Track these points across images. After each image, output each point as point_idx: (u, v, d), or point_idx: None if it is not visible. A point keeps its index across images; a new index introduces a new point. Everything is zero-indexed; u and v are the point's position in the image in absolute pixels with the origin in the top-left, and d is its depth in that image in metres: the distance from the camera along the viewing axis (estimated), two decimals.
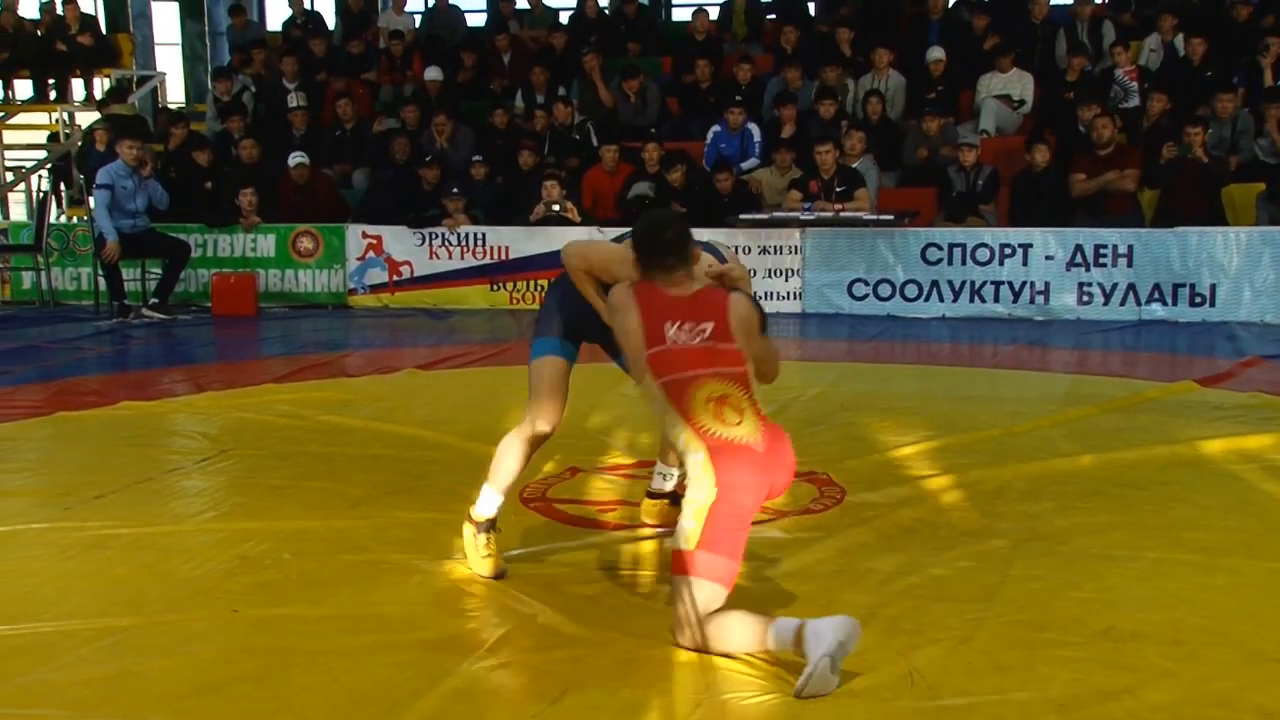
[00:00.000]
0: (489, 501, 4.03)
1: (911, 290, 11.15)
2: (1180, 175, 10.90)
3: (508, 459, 4.05)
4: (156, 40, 19.35)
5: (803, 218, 11.17)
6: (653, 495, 4.56)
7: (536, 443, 4.08)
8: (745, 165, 12.27)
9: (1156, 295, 10.61)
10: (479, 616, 3.68)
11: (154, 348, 10.17)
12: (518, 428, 4.08)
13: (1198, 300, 10.54)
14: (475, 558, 3.99)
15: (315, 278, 12.40)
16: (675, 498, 4.31)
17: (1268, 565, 4.05)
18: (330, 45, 15.51)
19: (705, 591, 3.27)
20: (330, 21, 17.01)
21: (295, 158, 12.56)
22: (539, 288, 11.84)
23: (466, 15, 16.54)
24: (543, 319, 4.21)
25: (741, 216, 11.37)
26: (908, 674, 3.19)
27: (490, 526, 4.00)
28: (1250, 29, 12.53)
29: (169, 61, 19.12)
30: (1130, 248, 10.64)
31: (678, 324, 3.50)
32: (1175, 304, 10.58)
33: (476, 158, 12.60)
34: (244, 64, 15.38)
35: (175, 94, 18.85)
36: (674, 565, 3.35)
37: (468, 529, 4.03)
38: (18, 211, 16.29)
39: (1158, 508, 4.77)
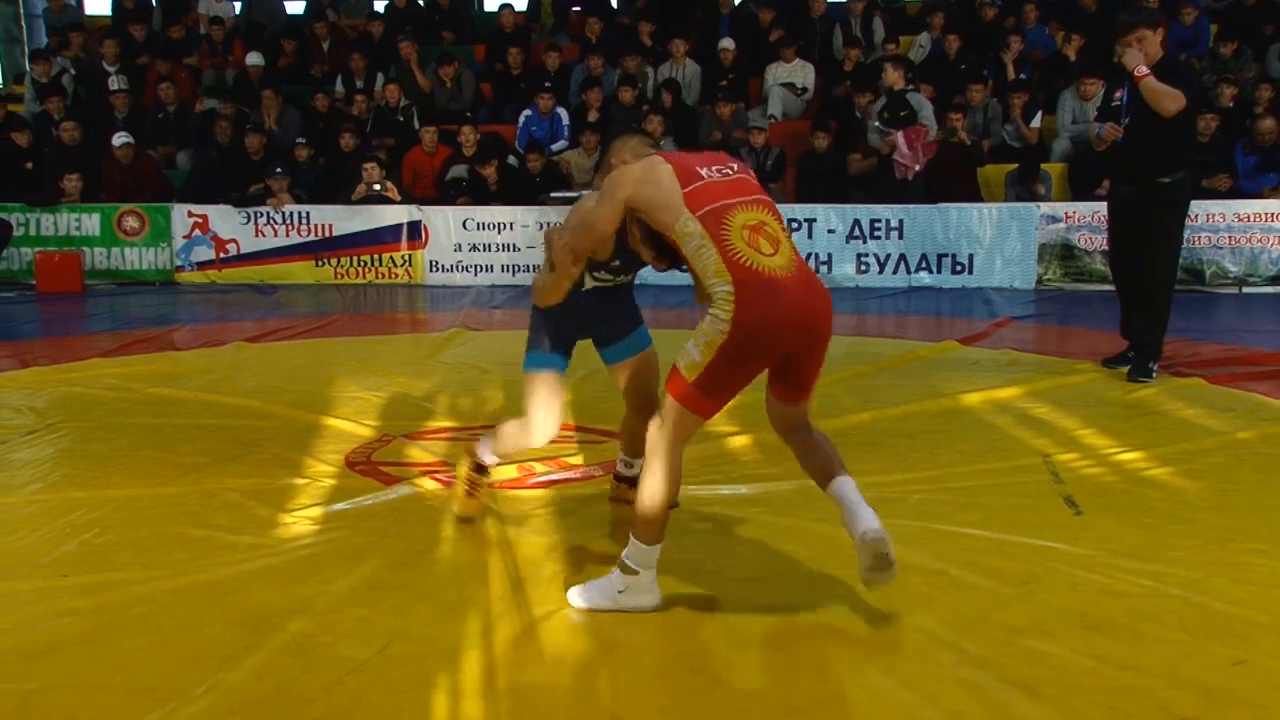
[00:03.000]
0: (485, 450, 4.01)
1: None
2: (944, 156, 11.32)
3: (507, 436, 3.94)
4: None
5: None
6: (620, 479, 4.26)
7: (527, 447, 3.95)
8: (555, 147, 12.25)
9: (924, 264, 11.02)
10: (308, 575, 3.59)
11: None
12: (519, 423, 3.88)
13: (958, 269, 10.98)
14: (460, 494, 4.03)
15: (142, 255, 11.87)
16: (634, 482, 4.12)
17: (1014, 502, 4.26)
18: (151, 30, 14.85)
19: (684, 420, 3.18)
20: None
21: (120, 138, 12.00)
22: (361, 263, 11.63)
23: (285, 3, 15.99)
24: (533, 332, 3.90)
25: (552, 195, 11.37)
26: (708, 611, 3.27)
27: (481, 470, 4.03)
28: (995, 28, 13.08)
29: None
30: (901, 222, 11.01)
31: (707, 166, 3.28)
32: (939, 272, 11.01)
33: (300, 140, 12.27)
34: (62, 46, 14.60)
35: None
36: (667, 382, 3.22)
37: (461, 469, 4.05)
38: None
39: (924, 455, 4.97)
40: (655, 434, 3.20)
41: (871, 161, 11.42)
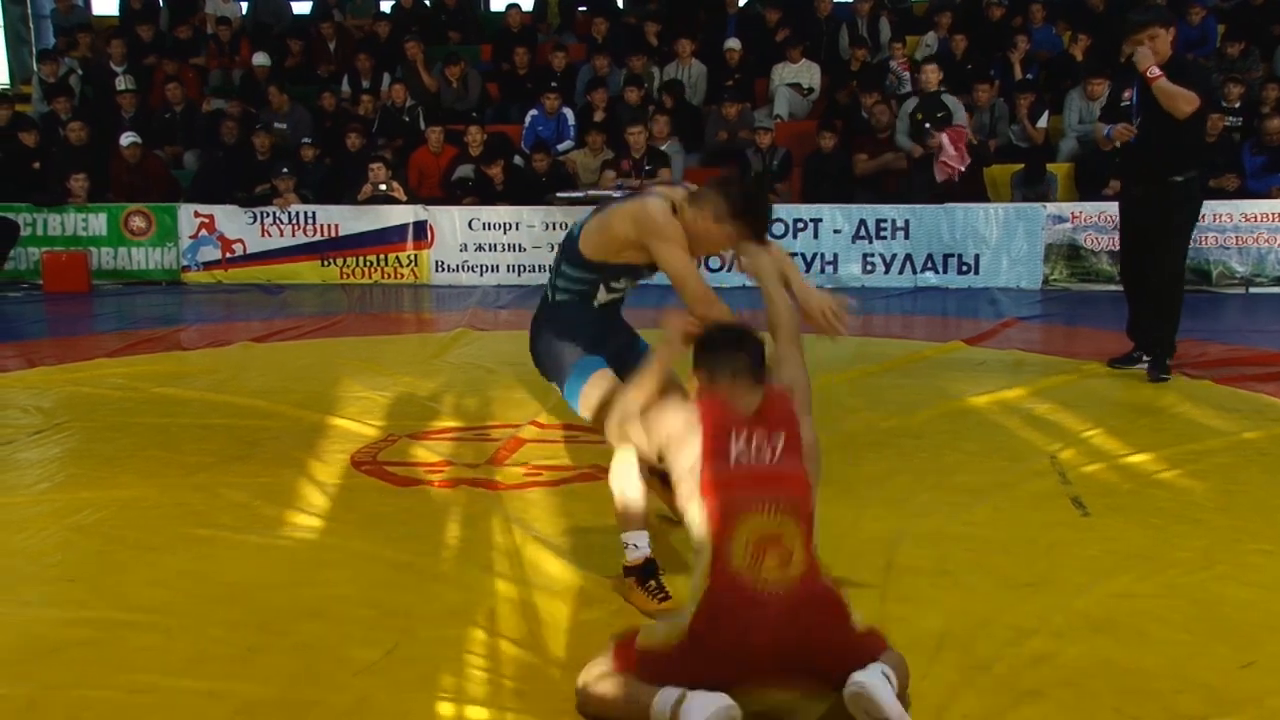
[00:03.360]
0: (637, 544, 3.34)
1: (714, 261, 11.22)
2: None
3: (629, 491, 3.34)
4: None
5: (615, 196, 11.19)
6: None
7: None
8: (561, 147, 12.25)
9: (929, 264, 11.00)
10: (314, 577, 3.59)
11: None
12: (616, 459, 3.37)
13: (964, 269, 10.96)
14: (653, 605, 3.26)
15: (149, 255, 11.88)
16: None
17: (1021, 502, 4.26)
18: (158, 30, 14.87)
19: (611, 679, 2.65)
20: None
21: (127, 138, 12.01)
22: (367, 263, 11.64)
23: (292, 3, 16.00)
24: (557, 354, 3.60)
25: (558, 195, 11.36)
26: None
27: (650, 568, 3.33)
28: (1002, 28, 13.06)
29: None
30: (907, 222, 10.99)
31: (744, 434, 2.75)
32: (945, 272, 10.99)
33: (306, 140, 12.28)
34: (69, 47, 14.63)
35: None
36: (618, 643, 2.72)
37: (628, 584, 3.34)
38: None
39: (931, 455, 4.96)
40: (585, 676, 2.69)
41: (881, 160, 11.40)
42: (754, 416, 2.80)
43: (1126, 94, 6.39)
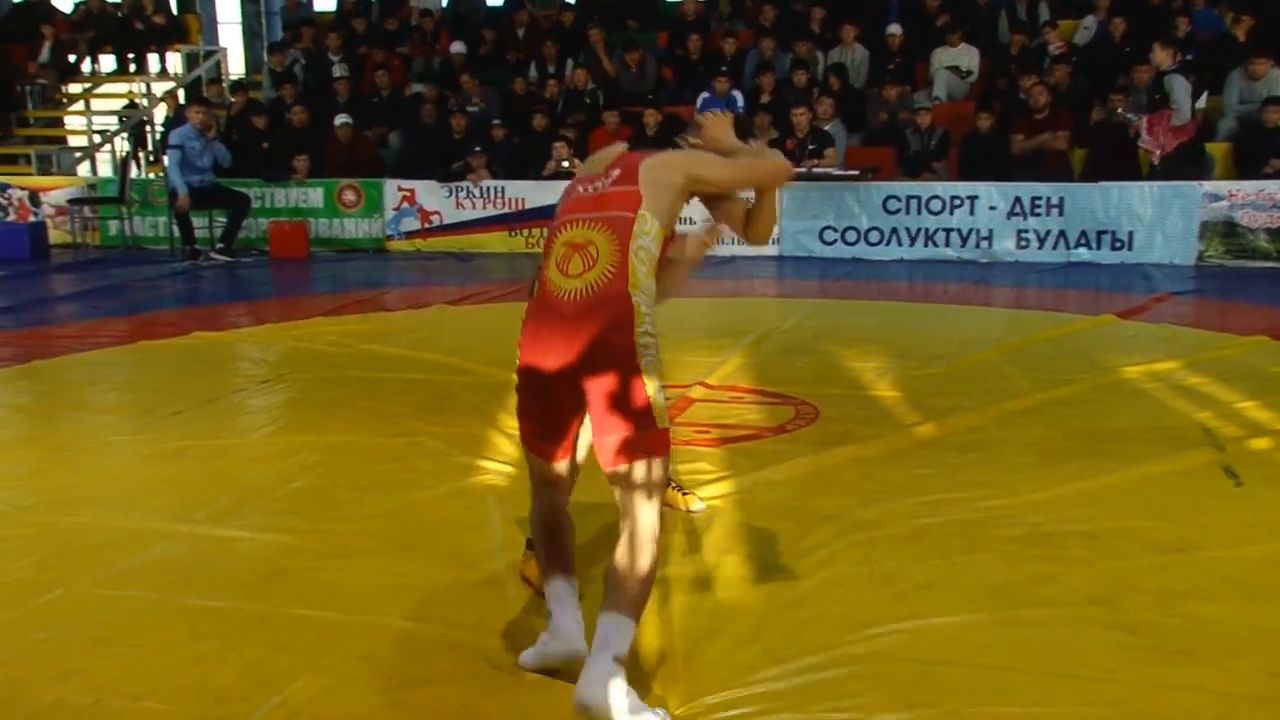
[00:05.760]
0: None
1: (874, 236, 11.09)
2: (1104, 136, 10.79)
3: None
4: (219, 19, 19.09)
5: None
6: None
7: None
8: None
9: (1083, 241, 10.55)
10: (503, 517, 3.66)
11: (221, 286, 10.10)
12: None
13: (1118, 245, 10.47)
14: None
15: (358, 225, 12.31)
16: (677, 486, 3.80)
17: (1171, 469, 4.05)
18: (370, 23, 15.34)
19: (529, 460, 2.80)
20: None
21: (340, 119, 12.43)
22: None
23: None
24: None
25: None
26: (867, 564, 3.20)
27: None
28: (1162, 10, 12.35)
29: (230, 38, 18.87)
30: (1061, 199, 10.55)
31: (592, 182, 2.77)
32: (1099, 248, 10.52)
33: (495, 121, 12.48)
34: (295, 39, 15.19)
35: (236, 66, 18.62)
36: None
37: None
38: (104, 169, 16.13)
39: (1083, 422, 4.77)
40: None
41: (1037, 140, 10.93)
42: (600, 173, 2.78)
43: None
